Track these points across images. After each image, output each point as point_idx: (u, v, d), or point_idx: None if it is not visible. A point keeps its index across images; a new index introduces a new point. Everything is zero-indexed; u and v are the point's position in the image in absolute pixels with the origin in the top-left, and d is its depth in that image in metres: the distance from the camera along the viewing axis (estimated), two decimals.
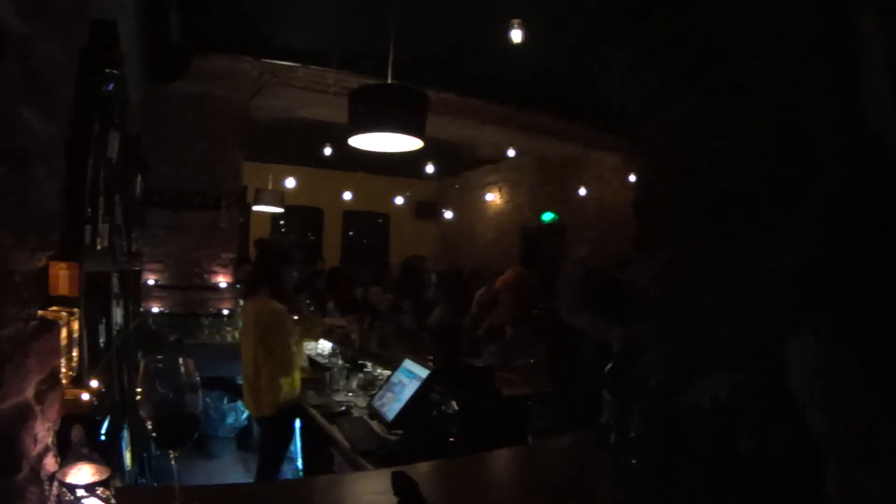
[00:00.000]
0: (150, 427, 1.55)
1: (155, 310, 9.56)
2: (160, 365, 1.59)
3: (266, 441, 5.76)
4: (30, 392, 1.31)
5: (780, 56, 2.43)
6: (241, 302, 7.85)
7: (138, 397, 1.55)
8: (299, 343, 5.80)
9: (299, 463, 6.22)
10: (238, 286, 9.78)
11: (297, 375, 5.69)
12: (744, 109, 2.56)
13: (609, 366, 2.48)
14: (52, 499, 1.40)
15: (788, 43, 2.40)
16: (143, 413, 1.55)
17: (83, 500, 1.40)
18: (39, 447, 1.36)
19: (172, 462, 1.62)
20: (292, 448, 6.19)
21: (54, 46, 1.37)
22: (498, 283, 5.44)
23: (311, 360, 7.50)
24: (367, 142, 5.68)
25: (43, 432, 1.38)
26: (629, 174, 12.91)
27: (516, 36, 7.50)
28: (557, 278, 4.89)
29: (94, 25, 3.30)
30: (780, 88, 2.43)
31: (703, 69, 2.74)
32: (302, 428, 5.98)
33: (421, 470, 2.34)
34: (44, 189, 1.36)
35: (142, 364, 1.56)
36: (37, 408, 1.34)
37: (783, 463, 1.98)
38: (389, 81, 6.13)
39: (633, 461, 2.25)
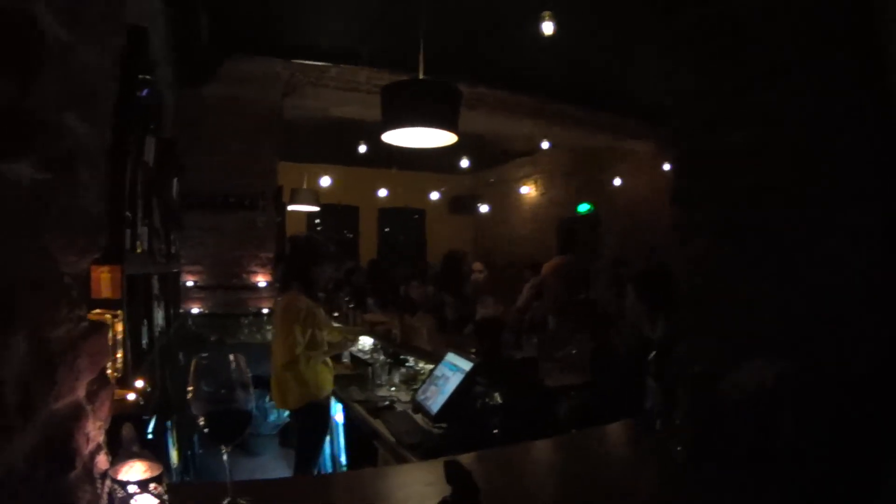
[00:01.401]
0: (201, 423, 1.57)
1: (195, 311, 9.64)
2: (211, 361, 1.61)
3: (298, 435, 5.76)
4: (81, 392, 1.33)
5: (810, 43, 2.41)
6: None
7: (189, 395, 1.57)
8: (341, 338, 5.92)
9: (343, 458, 6.23)
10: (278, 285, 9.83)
11: (329, 369, 5.72)
12: (778, 97, 2.54)
13: (653, 353, 2.48)
14: (105, 496, 1.42)
15: (818, 30, 2.39)
16: (193, 410, 1.56)
17: (135, 497, 1.41)
18: (92, 445, 1.38)
19: (224, 457, 1.64)
20: (336, 444, 6.21)
21: (94, 53, 1.38)
22: (545, 269, 5.45)
23: (353, 356, 7.54)
24: (400, 138, 5.66)
25: (94, 431, 1.39)
26: (664, 163, 12.85)
27: (547, 28, 7.45)
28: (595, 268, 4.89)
29: (127, 33, 3.34)
30: (812, 75, 2.41)
31: (736, 57, 2.72)
32: (345, 424, 5.99)
33: (467, 461, 2.35)
34: (89, 192, 1.37)
35: (193, 361, 1.58)
36: (88, 407, 1.35)
37: (826, 450, 1.96)
38: (421, 77, 6.13)
39: (679, 448, 2.24)
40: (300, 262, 5.74)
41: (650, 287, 4.02)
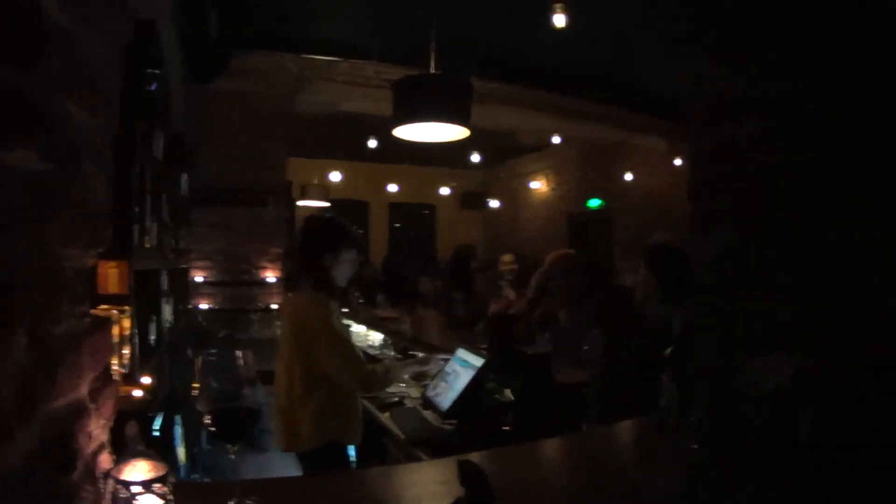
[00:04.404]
0: (208, 421, 1.54)
1: (204, 307, 9.63)
2: (218, 358, 1.58)
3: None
4: (84, 390, 1.30)
5: (825, 30, 2.39)
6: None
7: (195, 392, 1.54)
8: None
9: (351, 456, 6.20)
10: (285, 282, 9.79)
11: (356, 396, 4.17)
12: (794, 85, 2.52)
13: (669, 349, 2.44)
14: (108, 496, 1.39)
15: (832, 18, 2.37)
16: (200, 407, 1.53)
17: (139, 497, 1.38)
18: (94, 445, 1.35)
19: (232, 456, 1.60)
20: None
21: (98, 42, 1.36)
22: (548, 260, 5.38)
23: (363, 352, 7.51)
24: (412, 132, 5.63)
25: (97, 430, 1.36)
26: (674, 159, 12.83)
27: (559, 21, 7.39)
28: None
29: (135, 25, 3.32)
30: (828, 63, 2.39)
31: (752, 46, 2.70)
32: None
33: (478, 459, 2.31)
34: (93, 185, 1.35)
35: (199, 358, 1.55)
36: (91, 405, 1.32)
37: (844, 447, 1.94)
38: (432, 72, 6.09)
39: (695, 445, 2.21)
40: (313, 247, 4.09)
41: (665, 263, 3.93)
